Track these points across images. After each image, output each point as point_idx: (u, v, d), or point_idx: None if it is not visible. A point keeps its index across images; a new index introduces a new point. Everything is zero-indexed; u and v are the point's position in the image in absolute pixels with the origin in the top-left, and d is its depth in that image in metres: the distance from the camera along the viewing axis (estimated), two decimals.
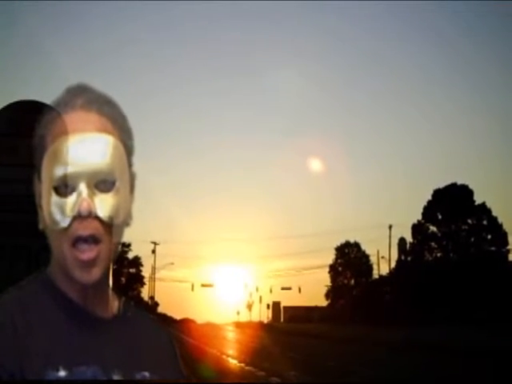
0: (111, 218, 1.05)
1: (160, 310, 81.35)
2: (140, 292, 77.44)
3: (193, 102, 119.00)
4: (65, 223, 1.03)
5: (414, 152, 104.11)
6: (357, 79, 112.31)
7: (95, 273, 1.05)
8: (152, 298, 78.19)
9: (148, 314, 1.27)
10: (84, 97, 1.10)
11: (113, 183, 1.07)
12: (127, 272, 74.10)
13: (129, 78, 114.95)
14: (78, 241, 1.03)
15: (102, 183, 1.05)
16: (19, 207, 3.28)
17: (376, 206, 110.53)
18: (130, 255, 74.18)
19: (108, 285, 1.15)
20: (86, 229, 1.03)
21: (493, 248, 55.37)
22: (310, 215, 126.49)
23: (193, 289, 79.84)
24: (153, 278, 77.36)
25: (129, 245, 72.94)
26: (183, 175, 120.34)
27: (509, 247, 55.24)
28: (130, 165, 1.14)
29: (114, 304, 1.17)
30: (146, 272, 78.13)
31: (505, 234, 55.55)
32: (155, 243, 74.95)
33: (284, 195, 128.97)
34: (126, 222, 1.12)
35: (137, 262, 75.36)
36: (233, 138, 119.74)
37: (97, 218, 1.04)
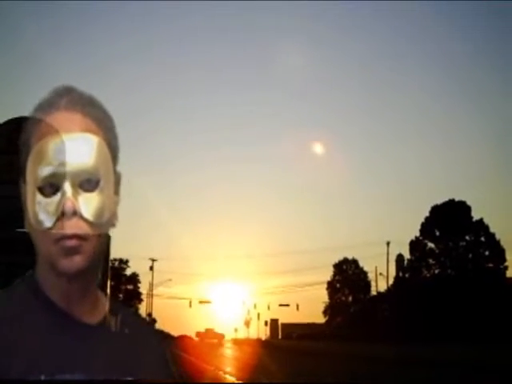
0: (95, 217, 1.05)
1: (158, 326, 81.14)
2: (138, 309, 77.14)
3: (193, 115, 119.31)
4: (49, 223, 1.03)
5: (412, 168, 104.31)
6: (353, 91, 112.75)
7: (78, 261, 1.04)
8: (150, 314, 77.84)
9: (137, 317, 1.29)
10: (68, 97, 1.10)
11: (97, 182, 1.07)
12: (125, 289, 73.93)
13: (128, 89, 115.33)
14: (61, 240, 1.03)
15: (86, 182, 1.06)
16: (16, 224, 3.28)
17: (374, 222, 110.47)
18: (128, 272, 74.18)
19: (94, 285, 1.15)
20: (70, 228, 1.03)
21: (490, 264, 55.36)
22: (308, 232, 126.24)
23: (190, 305, 79.72)
24: (150, 295, 77.10)
25: (126, 261, 73.02)
26: (181, 191, 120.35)
27: (506, 264, 55.31)
28: (114, 164, 1.14)
29: (102, 307, 1.17)
30: (143, 288, 78.00)
31: (502, 251, 55.58)
32: (153, 260, 74.83)
33: (282, 212, 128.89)
34: (111, 223, 1.12)
35: (134, 279, 75.27)
36: (231, 153, 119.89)
37: (81, 217, 1.04)
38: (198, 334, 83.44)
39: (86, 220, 1.04)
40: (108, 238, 1.16)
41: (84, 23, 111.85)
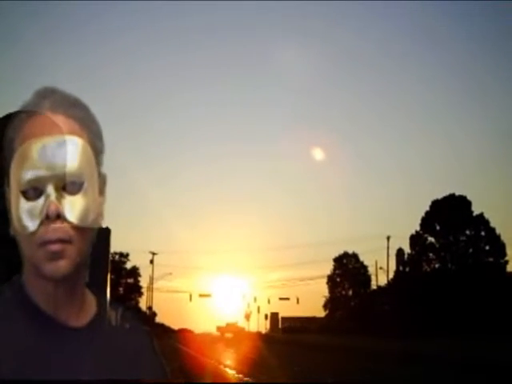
0: (80, 219, 1.04)
1: (158, 320, 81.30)
2: (138, 302, 77.34)
3: (193, 112, 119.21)
4: (33, 227, 1.02)
5: (413, 163, 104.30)
6: (354, 88, 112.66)
7: (63, 265, 1.02)
8: (150, 308, 77.99)
9: (128, 315, 1.24)
10: (51, 99, 1.09)
11: (81, 185, 1.06)
12: (125, 282, 74.00)
13: (128, 86, 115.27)
14: (46, 244, 1.02)
15: (70, 185, 1.05)
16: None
17: (374, 216, 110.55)
18: (128, 265, 74.22)
19: (81, 288, 1.14)
20: (54, 232, 1.02)
21: (491, 259, 55.45)
22: (309, 226, 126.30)
23: (191, 299, 79.78)
24: (151, 288, 77.17)
25: (127, 255, 73.03)
26: (182, 186, 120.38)
27: (507, 258, 55.39)
28: (99, 166, 1.13)
29: (90, 308, 1.16)
30: (144, 282, 78.01)
31: (503, 245, 55.66)
32: (153, 253, 74.84)
33: (282, 206, 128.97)
34: (97, 224, 1.11)
35: (135, 272, 75.28)
36: (230, 148, 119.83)
37: (65, 220, 1.03)
38: (219, 328, 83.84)
39: (70, 223, 1.03)
40: (108, 231, 1.16)
41: (84, 23, 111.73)
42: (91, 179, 1.09)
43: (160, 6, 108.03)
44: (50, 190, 1.03)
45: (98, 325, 1.14)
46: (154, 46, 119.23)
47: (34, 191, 1.03)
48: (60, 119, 1.07)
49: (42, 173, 1.03)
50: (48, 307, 1.08)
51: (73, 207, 1.04)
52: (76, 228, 1.04)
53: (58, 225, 1.02)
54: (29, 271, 1.09)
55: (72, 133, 1.07)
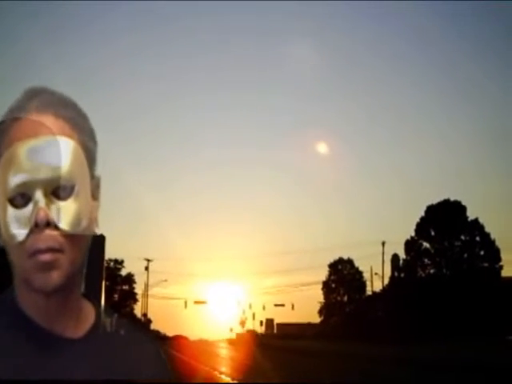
0: (72, 226, 0.97)
1: (153, 326, 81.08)
2: (133, 309, 77.19)
3: (190, 118, 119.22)
4: (22, 236, 0.95)
5: (408, 168, 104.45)
6: (351, 93, 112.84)
7: (55, 277, 0.95)
8: (145, 314, 77.84)
9: (130, 321, 1.20)
10: (39, 99, 1.02)
11: (72, 189, 0.98)
12: (120, 289, 73.88)
13: (126, 90, 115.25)
14: (36, 254, 0.94)
15: (60, 190, 0.97)
16: None
17: (369, 222, 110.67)
18: (123, 272, 74.10)
19: (76, 298, 1.06)
20: (44, 241, 0.94)
21: (485, 264, 55.52)
22: (303, 232, 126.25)
23: (186, 306, 79.71)
24: (146, 295, 77.08)
25: (122, 262, 72.91)
26: (177, 193, 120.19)
27: (501, 263, 55.48)
28: (91, 168, 1.05)
29: (88, 317, 1.09)
30: (138, 289, 78.05)
31: (497, 251, 55.73)
32: (148, 260, 74.76)
33: (277, 212, 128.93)
34: (91, 230, 1.03)
35: (130, 279, 75.17)
36: (226, 155, 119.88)
37: (56, 228, 0.96)
38: (238, 335, 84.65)
39: (61, 231, 0.96)
40: (103, 238, 1.13)
41: (83, 22, 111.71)
42: (83, 183, 1.01)
43: (162, 6, 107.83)
44: (39, 195, 0.95)
45: (96, 335, 1.08)
46: (154, 48, 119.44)
47: (21, 198, 0.96)
48: (49, 119, 1.00)
49: (29, 177, 0.95)
50: (42, 320, 1.01)
51: (64, 213, 0.97)
52: (68, 236, 0.96)
53: (48, 233, 0.95)
54: (20, 283, 1.02)
55: (62, 134, 1.00)
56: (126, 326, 1.16)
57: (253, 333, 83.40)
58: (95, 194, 1.07)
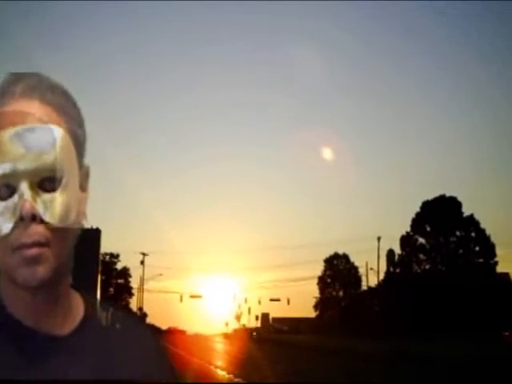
0: (59, 219, 0.90)
1: (148, 320, 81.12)
2: (128, 303, 77.22)
3: (186, 114, 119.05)
4: (6, 230, 0.88)
5: (404, 164, 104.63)
6: (348, 87, 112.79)
7: (40, 272, 0.89)
8: (141, 308, 77.80)
9: (128, 317, 1.12)
10: (24, 84, 0.95)
11: (59, 180, 0.92)
12: (115, 283, 73.92)
13: (122, 87, 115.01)
14: (21, 248, 0.88)
15: (46, 181, 0.91)
16: None
17: (365, 217, 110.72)
18: (119, 266, 74.14)
19: (65, 293, 1.00)
20: (30, 235, 0.88)
21: (481, 260, 55.68)
22: (299, 227, 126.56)
23: (181, 300, 79.71)
24: (141, 289, 77.02)
25: (117, 255, 72.97)
26: (173, 187, 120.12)
27: (496, 259, 55.64)
28: (80, 157, 0.98)
29: (77, 313, 1.02)
30: (134, 283, 77.99)
31: (492, 246, 55.88)
32: (144, 254, 74.70)
33: (273, 207, 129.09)
34: (79, 224, 0.96)
35: (125, 273, 75.20)
36: (222, 151, 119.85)
37: (42, 221, 0.89)
38: (234, 330, 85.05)
39: (47, 224, 0.89)
40: (99, 232, 1.06)
41: (83, 21, 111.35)
42: (71, 173, 0.94)
43: (161, 5, 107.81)
44: (24, 187, 0.89)
45: (86, 330, 1.01)
46: (152, 46, 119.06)
47: (6, 189, 0.89)
48: (35, 105, 0.93)
49: (13, 168, 0.88)
50: (28, 318, 0.95)
51: (50, 206, 0.90)
52: (54, 229, 0.90)
53: (33, 227, 0.89)
54: (4, 278, 0.95)
55: (48, 121, 0.93)
56: (122, 319, 1.09)
57: (245, 329, 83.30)
58: (84, 186, 1.00)
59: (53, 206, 0.91)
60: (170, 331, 76.62)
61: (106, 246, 73.78)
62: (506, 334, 40.36)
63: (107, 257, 70.10)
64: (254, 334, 69.89)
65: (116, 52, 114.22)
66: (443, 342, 33.89)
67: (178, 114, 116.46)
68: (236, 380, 18.58)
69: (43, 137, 0.91)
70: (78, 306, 1.04)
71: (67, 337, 0.98)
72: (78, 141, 0.97)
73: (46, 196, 0.90)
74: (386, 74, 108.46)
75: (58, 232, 0.91)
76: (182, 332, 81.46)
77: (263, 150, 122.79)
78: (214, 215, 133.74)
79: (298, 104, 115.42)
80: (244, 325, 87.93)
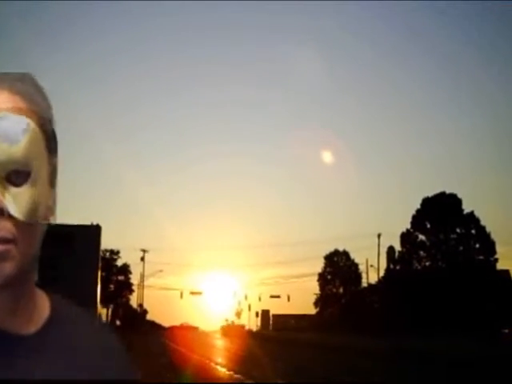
0: (27, 215, 0.86)
1: (149, 317, 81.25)
2: (129, 299, 77.37)
3: (186, 112, 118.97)
4: None
5: (404, 161, 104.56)
6: (348, 86, 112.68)
7: (7, 269, 0.85)
8: (141, 305, 77.96)
9: (92, 314, 1.08)
10: None
11: (28, 174, 0.87)
12: (116, 279, 73.91)
13: (121, 84, 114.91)
14: None
15: (14, 175, 0.86)
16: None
17: (365, 214, 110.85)
18: (119, 262, 74.14)
19: (28, 291, 0.95)
20: None
21: (481, 257, 55.61)
22: (299, 224, 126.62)
23: (182, 296, 79.80)
24: (142, 286, 77.13)
25: (118, 252, 72.94)
26: (173, 184, 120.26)
27: (497, 256, 55.60)
28: (50, 152, 0.93)
29: (42, 313, 0.98)
30: (134, 279, 78.08)
31: (493, 243, 55.82)
32: (144, 250, 74.75)
33: (274, 204, 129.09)
34: (47, 219, 0.92)
35: (126, 270, 75.18)
36: (223, 148, 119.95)
37: (9, 216, 0.85)
38: (223, 327, 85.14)
39: (14, 219, 0.85)
40: (99, 229, 1.03)
41: (81, 18, 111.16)
42: (40, 167, 0.90)
43: (160, 3, 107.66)
44: None
45: (52, 329, 0.97)
46: (150, 43, 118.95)
47: None
48: (3, 95, 0.90)
49: None
50: None
51: (18, 201, 0.86)
52: (21, 225, 0.86)
53: (0, 221, 0.85)
54: None
55: (18, 112, 0.88)
56: (86, 317, 1.06)
57: (239, 327, 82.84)
58: (52, 181, 0.95)
59: (20, 201, 0.86)
60: (182, 328, 76.60)
61: (107, 243, 73.74)
62: (506, 331, 40.42)
63: (107, 253, 70.11)
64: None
65: (114, 50, 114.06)
66: (443, 339, 33.87)
67: (177, 111, 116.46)
68: (236, 376, 18.59)
69: (12, 128, 0.87)
70: (43, 304, 1.00)
71: (33, 336, 0.94)
72: (48, 135, 0.93)
73: (14, 190, 0.86)
74: (386, 73, 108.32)
75: (26, 228, 0.87)
76: (194, 329, 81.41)
77: (263, 147, 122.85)
78: (214, 212, 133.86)
79: (297, 101, 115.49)
80: (233, 322, 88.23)
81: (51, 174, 0.94)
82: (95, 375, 0.96)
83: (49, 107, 0.96)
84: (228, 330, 75.29)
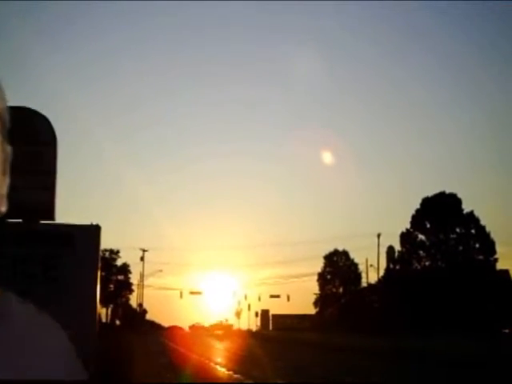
0: None
1: (148, 317, 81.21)
2: (128, 299, 77.26)
3: (185, 112, 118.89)
4: None
5: (404, 161, 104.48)
6: (348, 85, 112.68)
7: None
8: (140, 305, 77.94)
9: (42, 313, 0.97)
10: None
11: None
12: (116, 279, 73.84)
13: (120, 84, 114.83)
14: None
15: None
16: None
17: (365, 214, 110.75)
18: (119, 262, 74.04)
19: None
20: None
21: (481, 257, 55.59)
22: (299, 223, 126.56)
23: (181, 296, 79.73)
24: (141, 285, 77.08)
25: (117, 252, 72.80)
26: (173, 184, 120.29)
27: (496, 256, 55.58)
28: (3, 138, 0.88)
29: None
30: (134, 279, 77.95)
31: (492, 243, 55.80)
32: (144, 250, 74.70)
33: (273, 204, 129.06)
34: None
35: (125, 269, 75.11)
36: (222, 148, 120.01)
37: None
38: (211, 325, 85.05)
39: None
40: (98, 228, 1.02)
41: (82, 17, 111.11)
42: None
43: (161, 2, 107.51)
44: None
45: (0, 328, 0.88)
46: (151, 43, 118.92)
47: None
48: None
49: None
50: None
51: None
52: None
53: None
54: None
55: None
56: (36, 316, 0.97)
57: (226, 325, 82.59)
58: (4, 169, 0.89)
59: None
60: (194, 328, 76.47)
61: (106, 243, 73.74)
62: (506, 331, 40.42)
63: (107, 253, 70.02)
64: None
65: (114, 50, 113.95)
66: (442, 339, 33.85)
67: (177, 110, 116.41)
68: (236, 376, 18.58)
69: None
70: None
71: None
72: (1, 120, 0.87)
73: None
74: (386, 73, 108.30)
75: None
76: (206, 329, 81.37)
77: (263, 146, 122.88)
78: (213, 211, 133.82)
79: (297, 101, 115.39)
80: (221, 321, 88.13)
81: (3, 162, 0.88)
82: (33, 375, 0.86)
83: (3, 97, 0.89)
84: (212, 330, 75.49)
